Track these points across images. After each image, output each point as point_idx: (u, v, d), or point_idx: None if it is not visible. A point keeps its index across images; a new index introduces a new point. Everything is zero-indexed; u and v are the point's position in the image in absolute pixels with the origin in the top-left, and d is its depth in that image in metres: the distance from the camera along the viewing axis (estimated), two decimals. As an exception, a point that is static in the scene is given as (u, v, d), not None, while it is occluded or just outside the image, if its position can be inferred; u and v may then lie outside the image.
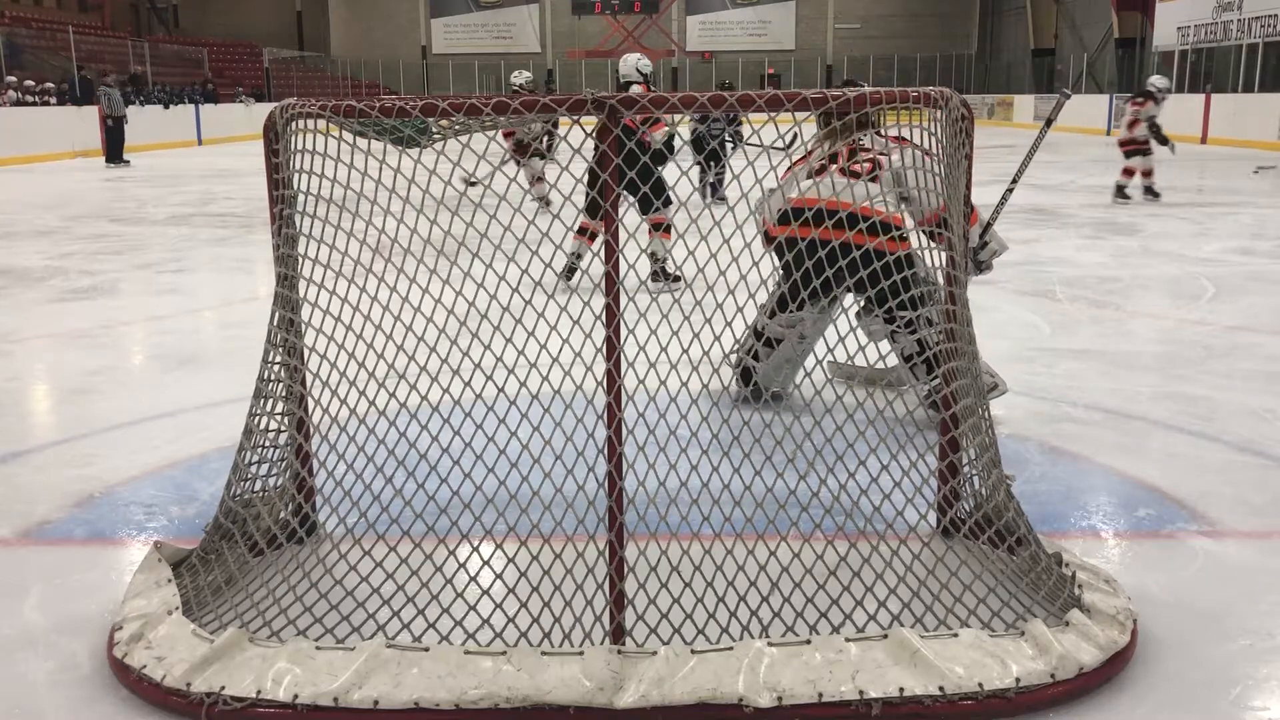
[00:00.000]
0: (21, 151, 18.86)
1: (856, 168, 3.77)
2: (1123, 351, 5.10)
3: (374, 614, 2.38)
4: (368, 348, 2.52)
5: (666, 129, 6.02)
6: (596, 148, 2.52)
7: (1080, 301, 6.26)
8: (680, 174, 2.70)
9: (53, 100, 22.20)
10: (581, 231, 6.55)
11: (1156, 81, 11.87)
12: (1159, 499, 3.23)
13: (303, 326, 2.69)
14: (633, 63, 7.57)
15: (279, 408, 2.70)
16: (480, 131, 2.58)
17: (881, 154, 3.75)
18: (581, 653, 2.15)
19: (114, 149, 19.11)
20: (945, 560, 2.48)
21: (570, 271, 6.25)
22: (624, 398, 2.33)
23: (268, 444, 2.75)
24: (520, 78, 11.36)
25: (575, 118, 2.31)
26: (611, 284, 2.29)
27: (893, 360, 4.08)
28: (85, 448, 3.83)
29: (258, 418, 2.69)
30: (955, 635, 2.23)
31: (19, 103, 21.34)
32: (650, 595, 2.38)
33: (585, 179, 2.65)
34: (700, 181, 11.13)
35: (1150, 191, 11.54)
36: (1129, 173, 11.70)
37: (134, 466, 3.59)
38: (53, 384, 4.93)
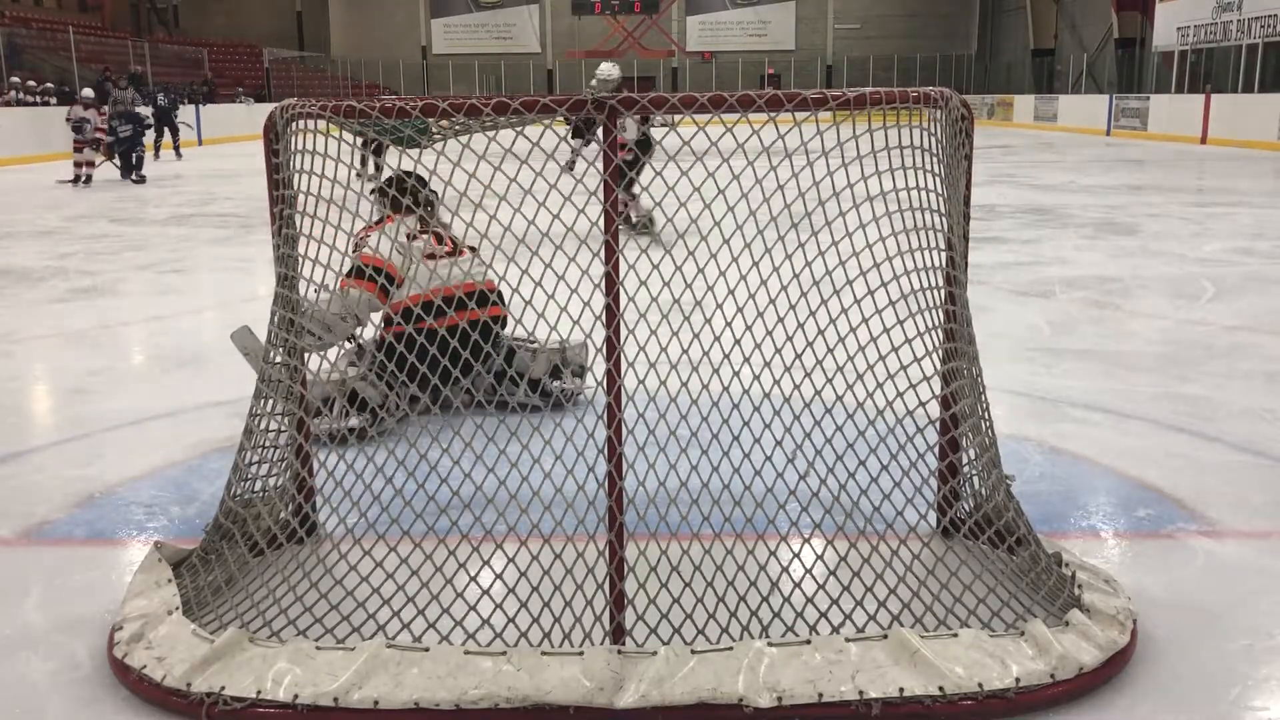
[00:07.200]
0: (21, 151, 18.84)
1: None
2: (1123, 351, 5.10)
3: (374, 614, 2.37)
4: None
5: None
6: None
7: (1080, 301, 6.26)
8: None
9: (53, 100, 22.17)
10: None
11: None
12: (1159, 499, 3.23)
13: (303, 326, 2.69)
14: None
15: (279, 408, 2.70)
16: (480, 132, 2.57)
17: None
18: (581, 653, 2.15)
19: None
20: (945, 560, 2.48)
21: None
22: (624, 398, 2.33)
23: (268, 444, 2.75)
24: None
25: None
26: (611, 284, 2.29)
27: None
28: (85, 448, 3.83)
29: (258, 418, 2.69)
30: (955, 635, 2.23)
31: (19, 103, 21.31)
32: (650, 595, 2.38)
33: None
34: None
35: None
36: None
37: (134, 466, 3.59)
38: (53, 384, 4.93)
